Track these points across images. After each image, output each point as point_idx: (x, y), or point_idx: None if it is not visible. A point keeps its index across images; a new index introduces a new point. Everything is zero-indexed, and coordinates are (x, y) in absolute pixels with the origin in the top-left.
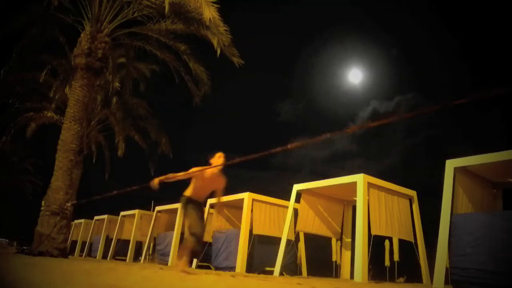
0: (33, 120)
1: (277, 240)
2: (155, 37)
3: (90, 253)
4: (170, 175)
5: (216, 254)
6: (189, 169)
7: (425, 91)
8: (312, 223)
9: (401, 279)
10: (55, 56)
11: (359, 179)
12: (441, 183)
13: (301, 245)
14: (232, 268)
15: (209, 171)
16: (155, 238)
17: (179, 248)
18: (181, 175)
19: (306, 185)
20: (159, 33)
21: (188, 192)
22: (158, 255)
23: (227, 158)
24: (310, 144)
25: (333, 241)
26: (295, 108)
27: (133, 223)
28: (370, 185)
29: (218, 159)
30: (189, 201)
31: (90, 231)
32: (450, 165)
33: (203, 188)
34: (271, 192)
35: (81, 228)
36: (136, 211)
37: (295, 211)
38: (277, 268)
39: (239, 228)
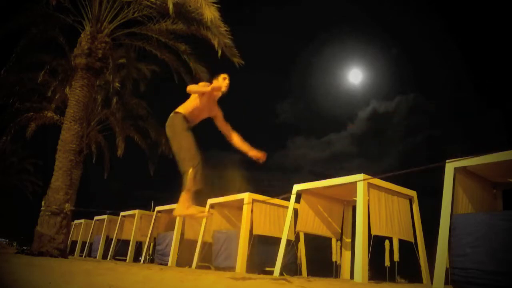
0: (33, 120)
1: (277, 240)
2: (155, 37)
3: (90, 253)
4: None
5: (216, 254)
6: None
7: (426, 91)
8: (312, 223)
9: (401, 280)
10: (55, 56)
11: (359, 179)
12: (441, 183)
13: (301, 245)
14: (232, 268)
15: (214, 92)
16: (155, 238)
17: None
18: (190, 89)
19: (306, 185)
20: (159, 33)
21: (182, 109)
22: (158, 255)
23: (227, 160)
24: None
25: (333, 241)
26: (294, 108)
27: (133, 223)
28: (370, 185)
29: (222, 81)
30: (185, 120)
31: (90, 231)
32: (450, 165)
33: (201, 110)
34: (271, 193)
35: (81, 228)
36: (136, 211)
37: (295, 211)
38: (277, 268)
39: (239, 228)
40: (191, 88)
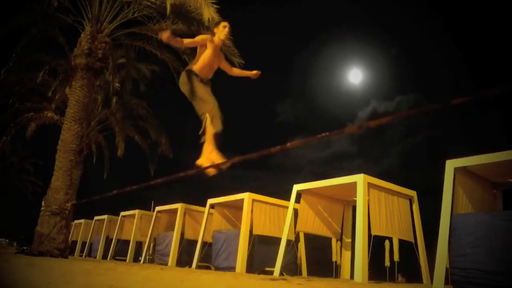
0: (33, 120)
1: (277, 240)
2: (155, 37)
3: (90, 253)
4: (178, 39)
5: (216, 254)
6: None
7: (426, 91)
8: (312, 223)
9: (402, 279)
10: (55, 56)
11: (359, 179)
12: (441, 183)
13: (301, 245)
14: (232, 268)
15: (218, 40)
16: (155, 238)
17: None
18: (188, 42)
19: (306, 185)
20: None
21: (192, 66)
22: (158, 255)
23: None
24: (309, 143)
25: (333, 241)
26: (294, 108)
27: (133, 223)
28: (370, 185)
29: (222, 29)
30: (196, 76)
31: (90, 231)
32: (450, 165)
33: (211, 62)
34: (271, 193)
35: (81, 228)
36: (136, 211)
37: (295, 211)
38: (277, 269)
39: (239, 228)
40: (187, 41)
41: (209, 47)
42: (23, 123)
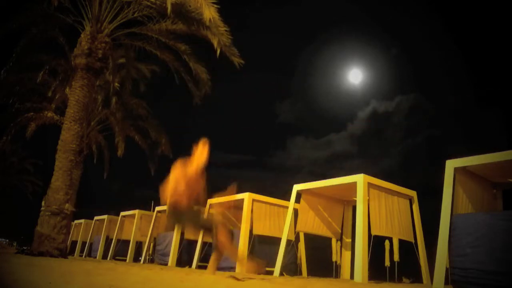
0: (33, 120)
1: (277, 240)
2: (155, 37)
3: (90, 253)
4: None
5: None
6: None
7: (426, 91)
8: (312, 223)
9: (407, 280)
10: (55, 56)
11: (359, 179)
12: (441, 183)
13: (301, 245)
14: (232, 268)
15: (193, 168)
16: (155, 238)
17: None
18: (170, 189)
19: (306, 185)
20: (159, 33)
21: (168, 207)
22: (158, 255)
23: (224, 157)
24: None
25: (333, 241)
26: (294, 108)
27: (133, 223)
28: (370, 185)
29: (203, 148)
30: (175, 216)
31: (90, 231)
32: (450, 165)
33: (189, 191)
34: (271, 193)
35: (81, 228)
36: (136, 211)
37: (295, 211)
38: (277, 269)
39: (239, 228)
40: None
41: (183, 179)
42: (23, 123)
